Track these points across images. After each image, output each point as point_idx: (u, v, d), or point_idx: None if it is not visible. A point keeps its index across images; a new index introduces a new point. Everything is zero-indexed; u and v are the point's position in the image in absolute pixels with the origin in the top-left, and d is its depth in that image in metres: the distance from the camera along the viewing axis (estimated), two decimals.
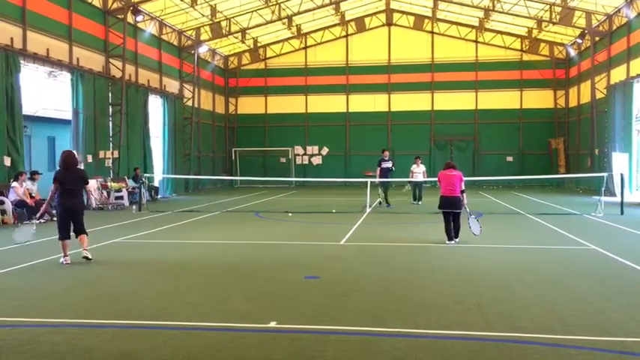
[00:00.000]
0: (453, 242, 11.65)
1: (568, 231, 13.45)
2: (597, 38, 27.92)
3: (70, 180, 9.70)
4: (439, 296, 7.34)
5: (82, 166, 20.08)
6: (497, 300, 7.14)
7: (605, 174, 20.71)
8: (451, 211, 11.75)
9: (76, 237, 9.82)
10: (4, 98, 16.67)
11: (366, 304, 6.97)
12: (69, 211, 9.72)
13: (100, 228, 14.30)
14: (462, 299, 7.15)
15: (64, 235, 9.64)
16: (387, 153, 20.81)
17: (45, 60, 19.04)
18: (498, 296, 7.34)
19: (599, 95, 27.79)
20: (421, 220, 16.64)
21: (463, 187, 11.81)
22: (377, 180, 20.31)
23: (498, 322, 6.15)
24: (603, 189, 18.84)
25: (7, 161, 16.80)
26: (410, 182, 22.18)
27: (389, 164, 20.38)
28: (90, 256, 9.72)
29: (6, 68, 16.79)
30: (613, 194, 23.10)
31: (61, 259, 9.60)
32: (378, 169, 20.28)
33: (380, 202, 20.19)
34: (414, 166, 22.17)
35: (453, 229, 11.74)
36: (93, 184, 20.53)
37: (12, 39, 17.45)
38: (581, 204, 20.85)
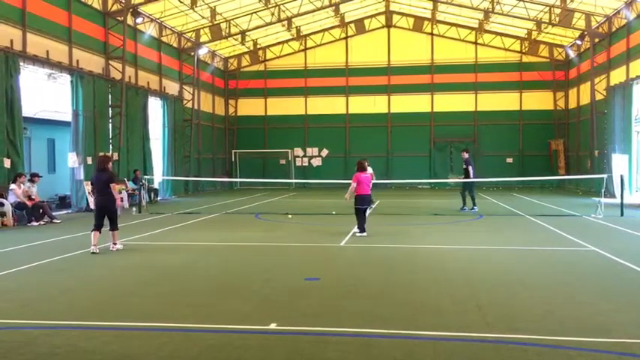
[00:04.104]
0: (365, 233, 13.19)
1: (568, 232, 13.45)
2: (597, 40, 27.93)
3: (97, 181, 11.45)
4: (439, 298, 7.33)
5: (81, 168, 20.30)
6: (497, 301, 7.13)
7: (604, 175, 20.70)
8: (366, 207, 13.77)
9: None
10: (3, 100, 16.66)
11: (366, 306, 6.96)
12: (97, 207, 11.42)
13: None
14: (462, 301, 7.15)
15: (94, 227, 11.16)
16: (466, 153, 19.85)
17: (45, 62, 19.04)
18: (498, 298, 7.34)
19: (598, 97, 27.79)
20: (420, 221, 16.63)
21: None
22: (471, 180, 19.28)
23: (498, 324, 6.15)
24: (603, 190, 18.86)
25: (7, 163, 16.78)
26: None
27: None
28: (115, 250, 11.25)
29: (6, 70, 16.78)
30: (613, 196, 23.09)
31: (91, 247, 11.00)
32: (472, 168, 19.25)
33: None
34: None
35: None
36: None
37: (12, 41, 17.46)
38: (581, 205, 20.85)
